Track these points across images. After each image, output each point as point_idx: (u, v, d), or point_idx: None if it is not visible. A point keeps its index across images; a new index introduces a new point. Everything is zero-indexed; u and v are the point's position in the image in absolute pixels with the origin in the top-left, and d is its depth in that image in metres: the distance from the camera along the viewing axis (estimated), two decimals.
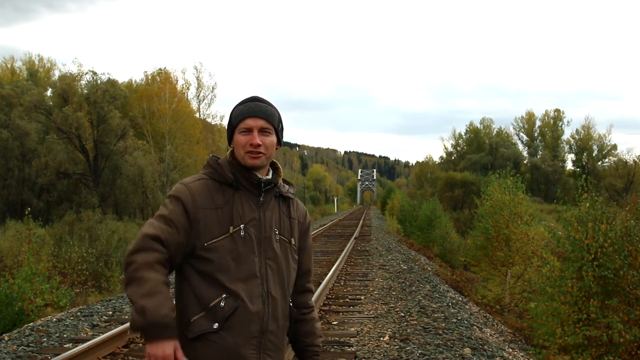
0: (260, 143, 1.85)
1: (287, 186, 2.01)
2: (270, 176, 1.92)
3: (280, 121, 1.93)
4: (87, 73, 37.33)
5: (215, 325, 1.77)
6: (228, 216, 1.83)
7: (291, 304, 1.95)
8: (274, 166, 1.97)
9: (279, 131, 1.93)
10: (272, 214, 1.90)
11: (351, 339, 5.99)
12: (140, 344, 6.05)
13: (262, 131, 1.87)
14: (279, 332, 1.87)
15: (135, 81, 48.09)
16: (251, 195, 1.88)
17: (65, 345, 5.92)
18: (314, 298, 7.15)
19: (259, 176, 1.88)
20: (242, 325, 1.78)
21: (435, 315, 7.27)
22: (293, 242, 1.96)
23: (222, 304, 1.77)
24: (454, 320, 7.09)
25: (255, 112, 1.87)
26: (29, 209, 14.37)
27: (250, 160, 1.85)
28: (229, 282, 1.78)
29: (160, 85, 43.26)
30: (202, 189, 1.85)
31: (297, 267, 1.98)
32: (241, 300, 1.78)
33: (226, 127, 1.98)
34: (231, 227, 1.82)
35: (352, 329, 6.45)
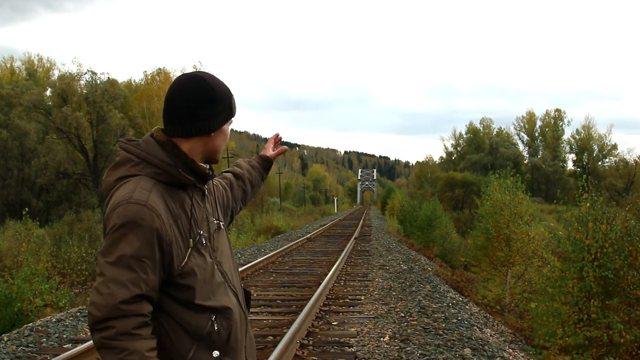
0: None
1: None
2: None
3: None
4: (86, 73, 37.40)
5: (216, 354, 1.53)
6: (188, 225, 1.54)
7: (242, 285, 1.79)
8: None
9: None
10: (210, 203, 1.69)
11: (351, 339, 5.98)
12: None
13: None
14: (247, 321, 1.73)
15: (135, 81, 48.12)
16: (197, 191, 1.61)
17: (64, 346, 5.90)
18: (312, 299, 7.17)
19: (207, 168, 1.63)
20: (237, 340, 1.61)
21: (436, 315, 7.26)
22: (223, 219, 1.74)
23: (215, 327, 1.53)
24: (454, 320, 7.07)
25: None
26: (27, 209, 14.35)
27: (219, 157, 1.67)
28: (211, 300, 1.54)
29: (160, 84, 43.24)
30: (161, 201, 1.48)
31: (233, 214, 1.88)
32: (232, 314, 1.59)
33: (210, 110, 1.57)
34: (191, 240, 1.53)
35: (352, 329, 6.44)
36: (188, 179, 1.54)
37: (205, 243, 1.58)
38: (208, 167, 1.65)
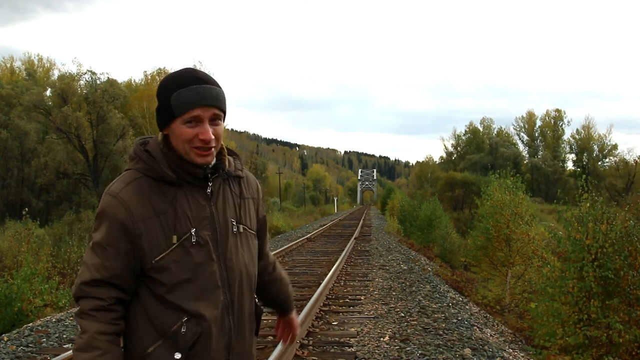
0: (213, 137, 1.51)
1: (234, 162, 1.68)
2: (214, 160, 1.58)
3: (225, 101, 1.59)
4: (86, 73, 37.41)
5: (178, 356, 1.50)
6: (172, 222, 1.51)
7: (256, 300, 1.72)
8: None
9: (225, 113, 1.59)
10: (224, 202, 1.60)
11: (351, 339, 5.98)
12: None
13: (212, 120, 1.52)
14: (247, 338, 1.65)
15: (135, 81, 48.14)
16: (197, 189, 1.56)
17: (64, 346, 5.90)
18: (312, 300, 7.16)
19: (204, 167, 1.56)
20: (208, 351, 1.53)
21: (436, 315, 7.26)
22: (250, 225, 1.67)
23: (183, 329, 1.50)
24: (454, 320, 7.07)
25: (207, 100, 1.50)
26: (27, 209, 14.35)
27: (198, 159, 1.52)
28: (188, 302, 1.50)
29: None
30: (136, 195, 1.50)
31: (258, 249, 1.74)
32: (205, 322, 1.52)
33: (156, 108, 1.57)
34: (176, 236, 1.51)
35: (352, 329, 6.43)
36: (169, 176, 1.52)
37: (200, 242, 1.53)
38: (212, 164, 1.57)
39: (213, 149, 1.54)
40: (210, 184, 1.58)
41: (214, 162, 1.58)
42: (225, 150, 1.65)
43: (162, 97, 1.53)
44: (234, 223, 1.61)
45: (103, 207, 1.51)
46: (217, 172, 1.60)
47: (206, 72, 1.60)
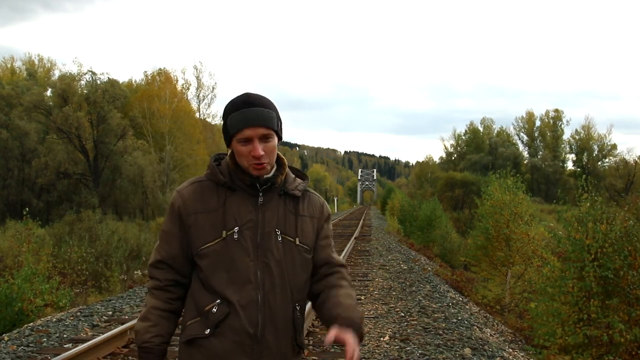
0: (263, 153, 1.73)
1: (297, 181, 1.89)
2: (271, 174, 1.80)
3: (278, 119, 1.80)
4: (86, 73, 37.46)
5: (207, 331, 1.73)
6: (221, 219, 1.76)
7: (298, 307, 1.82)
8: (279, 162, 1.85)
9: (279, 130, 1.80)
10: (274, 213, 1.80)
11: None
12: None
13: (263, 139, 1.75)
14: (280, 339, 1.77)
15: (135, 81, 48.22)
16: (249, 196, 1.79)
17: (65, 346, 5.91)
18: None
19: (254, 175, 1.79)
20: (233, 332, 1.72)
21: (436, 315, 7.26)
22: (300, 242, 1.82)
23: (214, 309, 1.73)
24: (454, 320, 7.08)
25: (254, 121, 1.73)
26: (27, 209, 14.36)
27: (255, 172, 1.76)
28: (222, 288, 1.73)
29: (161, 85, 43.30)
30: (194, 192, 1.80)
31: (310, 265, 1.86)
32: (233, 307, 1.72)
33: (222, 128, 1.86)
34: (224, 231, 1.75)
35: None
36: (220, 178, 1.79)
37: (241, 240, 1.75)
38: (271, 173, 1.80)
39: (266, 164, 1.76)
40: (261, 194, 1.80)
41: (269, 175, 1.80)
42: (287, 169, 1.87)
43: (224, 119, 1.81)
44: (278, 233, 1.80)
45: (171, 201, 1.84)
46: (267, 184, 1.80)
47: (261, 94, 1.82)
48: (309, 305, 1.99)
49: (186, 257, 1.81)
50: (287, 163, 1.88)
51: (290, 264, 1.80)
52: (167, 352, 1.84)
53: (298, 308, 1.83)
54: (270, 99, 1.83)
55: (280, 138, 1.82)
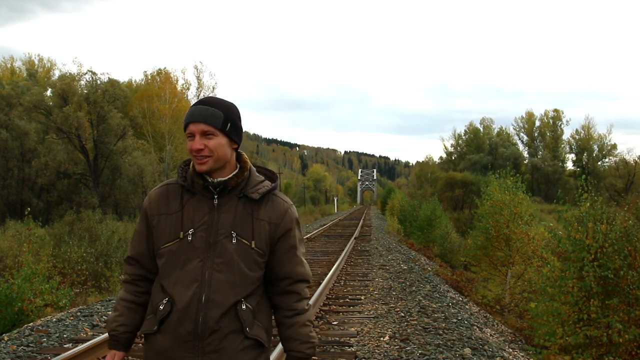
0: (202, 147, 1.79)
1: (262, 184, 1.91)
2: (227, 177, 1.86)
3: (228, 121, 1.83)
4: (86, 73, 37.40)
5: (155, 328, 1.83)
6: (180, 221, 1.85)
7: (243, 301, 1.83)
8: (242, 164, 1.91)
9: (227, 132, 1.83)
10: (230, 215, 1.85)
11: (351, 339, 5.99)
12: (140, 345, 6.04)
13: (204, 135, 1.81)
14: (223, 333, 1.80)
15: (135, 81, 48.23)
16: (205, 199, 1.87)
17: (65, 346, 5.91)
18: (312, 299, 7.15)
19: (209, 179, 1.85)
20: (174, 329, 1.80)
21: (436, 315, 7.26)
22: (255, 245, 1.85)
23: (161, 307, 1.83)
24: (454, 320, 7.08)
25: (194, 116, 1.82)
26: (29, 208, 14.35)
27: (197, 166, 1.83)
28: (169, 286, 1.83)
29: (161, 85, 43.29)
30: (160, 195, 1.92)
31: (263, 268, 1.89)
32: (175, 305, 1.80)
33: None
34: (181, 232, 1.84)
35: (352, 329, 6.44)
36: (181, 184, 1.89)
37: (194, 241, 1.83)
38: (220, 178, 1.86)
39: (209, 159, 1.81)
40: (216, 197, 1.86)
41: (224, 178, 1.85)
42: (248, 172, 1.91)
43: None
44: (234, 235, 1.84)
45: (143, 201, 1.96)
46: (219, 186, 1.86)
47: (222, 98, 1.92)
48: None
49: (152, 255, 1.92)
50: (250, 166, 1.92)
51: (244, 264, 1.84)
52: (132, 342, 1.96)
53: (243, 301, 1.84)
54: (230, 102, 1.89)
55: (233, 141, 1.86)
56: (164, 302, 1.82)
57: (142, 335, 1.89)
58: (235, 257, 1.82)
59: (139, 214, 2.02)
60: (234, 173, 1.87)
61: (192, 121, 1.82)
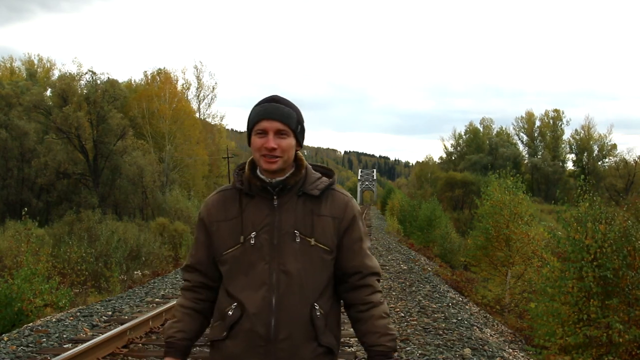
0: (276, 146, 1.76)
1: (320, 180, 1.88)
2: (284, 176, 1.82)
3: (299, 122, 1.84)
4: (86, 73, 37.37)
5: (224, 334, 1.81)
6: (240, 226, 1.82)
7: (317, 307, 1.80)
8: (298, 163, 1.88)
9: (297, 133, 1.83)
10: (291, 215, 1.82)
11: (351, 339, 5.98)
12: (140, 345, 6.04)
13: (278, 134, 1.78)
14: (296, 341, 1.77)
15: (135, 81, 48.18)
16: (265, 200, 1.83)
17: (64, 346, 5.91)
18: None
19: (267, 179, 1.82)
20: (245, 334, 1.77)
21: (436, 315, 7.26)
22: (316, 242, 1.81)
23: (230, 312, 1.80)
24: (454, 320, 7.08)
25: (271, 113, 1.78)
26: (26, 209, 14.33)
27: (265, 165, 1.79)
28: (237, 292, 1.80)
29: (160, 85, 43.29)
30: (217, 202, 1.90)
31: (332, 267, 1.85)
32: (245, 310, 1.77)
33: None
34: (242, 237, 1.81)
35: (352, 329, 6.43)
36: (238, 187, 1.86)
37: (257, 244, 1.80)
38: (279, 178, 1.82)
39: (279, 159, 1.78)
40: (275, 197, 1.83)
41: (282, 178, 1.82)
42: (304, 170, 1.87)
43: (248, 116, 1.86)
44: (297, 234, 1.81)
45: (200, 209, 1.94)
46: (278, 186, 1.82)
47: (285, 97, 1.88)
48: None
49: (213, 262, 1.90)
50: (306, 164, 1.90)
51: (309, 265, 1.80)
52: (190, 350, 1.92)
53: (317, 308, 1.81)
54: (297, 106, 1.89)
55: (299, 143, 1.85)
56: (233, 307, 1.80)
57: (209, 342, 1.88)
58: (301, 258, 1.79)
59: (197, 222, 1.95)
60: (290, 172, 1.85)
61: (267, 118, 1.78)
